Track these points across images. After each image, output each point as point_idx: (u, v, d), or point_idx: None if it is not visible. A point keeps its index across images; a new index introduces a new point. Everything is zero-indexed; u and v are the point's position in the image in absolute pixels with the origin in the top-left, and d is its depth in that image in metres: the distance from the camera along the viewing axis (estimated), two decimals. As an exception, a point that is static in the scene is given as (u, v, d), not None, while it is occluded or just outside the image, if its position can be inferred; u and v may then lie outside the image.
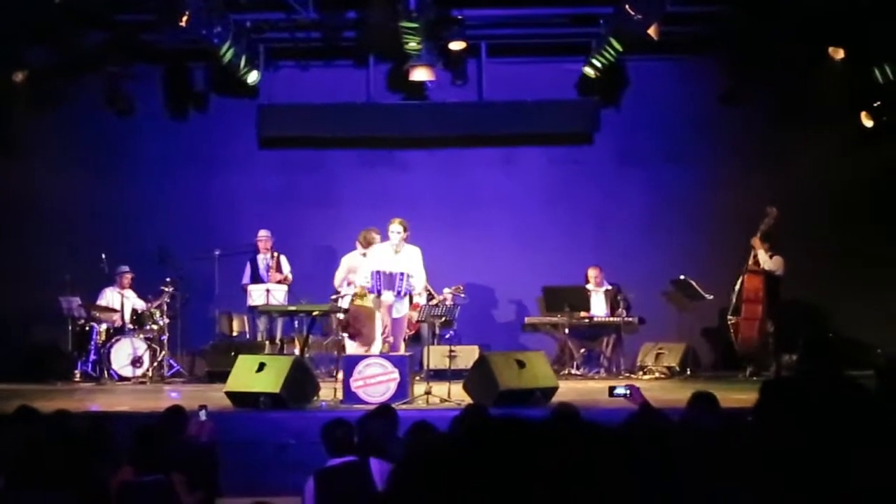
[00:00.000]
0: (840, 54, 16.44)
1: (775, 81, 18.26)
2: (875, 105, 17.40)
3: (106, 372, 17.23)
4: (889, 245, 18.54)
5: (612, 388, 10.22)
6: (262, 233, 17.70)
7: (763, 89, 18.44)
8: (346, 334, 15.40)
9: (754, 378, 15.92)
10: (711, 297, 18.03)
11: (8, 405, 11.45)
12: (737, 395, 11.70)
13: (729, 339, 17.95)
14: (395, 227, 15.14)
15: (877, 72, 16.43)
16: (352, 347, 15.30)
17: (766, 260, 17.08)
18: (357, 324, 15.28)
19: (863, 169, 18.32)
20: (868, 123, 17.66)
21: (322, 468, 8.32)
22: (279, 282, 17.41)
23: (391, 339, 15.14)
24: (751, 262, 17.25)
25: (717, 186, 19.02)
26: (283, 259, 17.61)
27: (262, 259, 17.60)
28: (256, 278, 17.52)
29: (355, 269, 15.40)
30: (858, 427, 2.05)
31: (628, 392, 9.78)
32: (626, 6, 15.16)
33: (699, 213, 19.04)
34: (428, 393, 14.22)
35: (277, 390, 13.28)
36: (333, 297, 15.84)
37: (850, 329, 18.45)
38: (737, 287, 17.41)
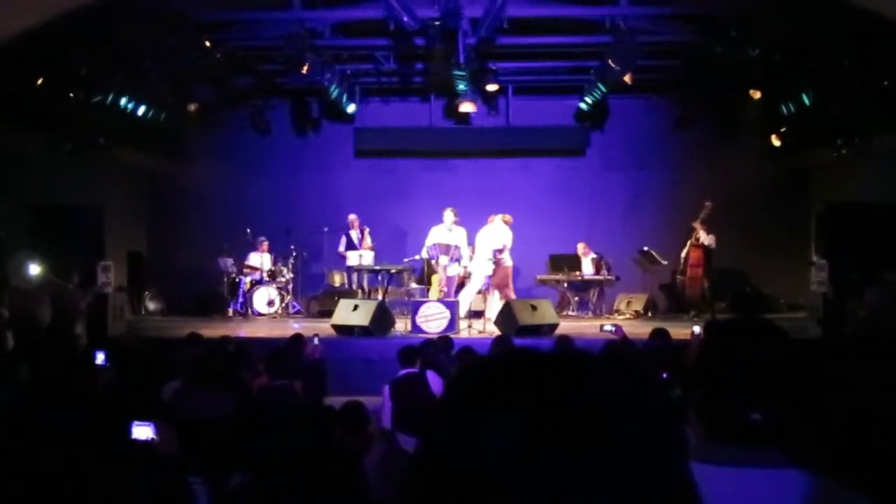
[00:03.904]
0: (758, 95, 16.31)
1: (713, 112, 18.18)
2: (781, 130, 17.33)
3: (249, 310, 17.36)
4: (789, 227, 18.52)
5: (602, 326, 10.29)
6: (351, 216, 17.61)
7: (704, 118, 18.35)
8: (496, 289, 15.62)
9: (695, 319, 15.79)
10: (666, 262, 17.98)
11: (182, 331, 11.60)
12: (683, 331, 11.66)
13: (678, 292, 17.89)
14: (448, 214, 15.39)
15: (783, 107, 16.33)
16: (495, 299, 15.59)
17: (704, 237, 16.99)
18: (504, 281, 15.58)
19: (772, 174, 18.28)
20: (776, 143, 17.59)
21: (394, 377, 8.39)
22: (368, 248, 17.41)
23: (445, 289, 15.21)
24: (693, 239, 17.14)
25: (671, 185, 18.93)
26: (367, 233, 17.56)
27: (354, 234, 17.57)
28: (351, 246, 17.53)
29: (441, 240, 15.44)
30: (765, 351, 2.07)
31: (613, 328, 9.83)
32: (609, 61, 15.07)
33: (658, 204, 18.96)
34: (470, 326, 14.32)
35: (367, 324, 13.39)
36: (416, 257, 15.95)
37: (762, 285, 18.42)
38: (683, 255, 17.31)
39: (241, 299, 17.65)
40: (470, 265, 16.02)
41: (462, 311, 15.14)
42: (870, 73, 13.53)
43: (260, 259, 17.92)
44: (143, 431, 4.44)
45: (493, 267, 15.65)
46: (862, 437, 2.99)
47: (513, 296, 15.63)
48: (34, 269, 13.38)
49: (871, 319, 11.35)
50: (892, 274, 12.42)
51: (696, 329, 9.78)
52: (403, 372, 8.41)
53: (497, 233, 15.64)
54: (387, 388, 8.27)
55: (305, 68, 14.67)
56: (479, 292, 16.08)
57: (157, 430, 4.45)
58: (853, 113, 15.01)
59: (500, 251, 15.58)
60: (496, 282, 15.66)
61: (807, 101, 15.63)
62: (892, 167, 15.18)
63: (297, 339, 10.19)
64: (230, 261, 17.87)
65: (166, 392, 6.93)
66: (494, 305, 15.47)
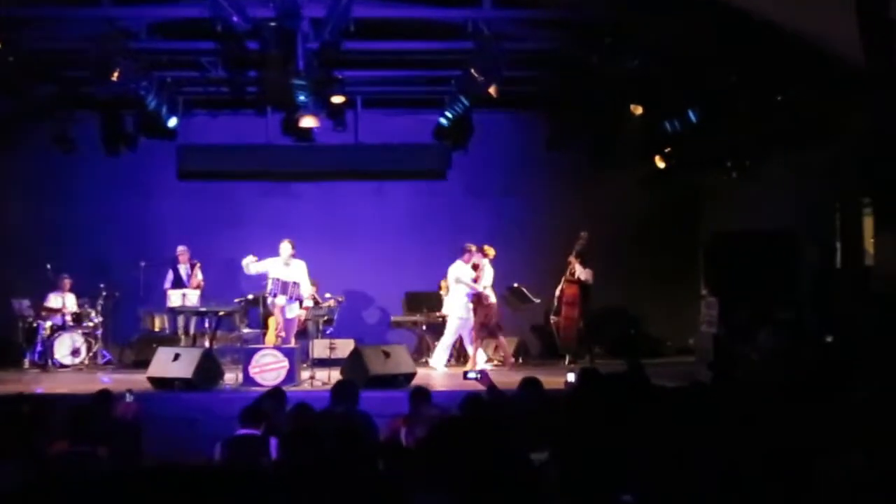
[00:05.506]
0: (639, 110, 16.58)
1: (589, 131, 18.48)
2: (666, 150, 17.64)
3: (50, 361, 16.81)
4: (675, 258, 18.90)
5: (465, 373, 10.26)
6: (180, 248, 17.48)
7: (579, 137, 18.63)
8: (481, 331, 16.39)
9: (571, 365, 15.95)
10: (539, 300, 18.09)
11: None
12: (557, 378, 11.73)
13: (552, 335, 18.02)
14: (285, 246, 15.29)
15: (667, 125, 16.65)
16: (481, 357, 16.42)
17: (580, 272, 17.15)
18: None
19: (655, 200, 18.69)
20: (661, 165, 17.87)
21: (230, 436, 8.22)
22: (195, 287, 17.14)
23: (283, 333, 15.03)
24: (568, 274, 17.31)
25: (543, 213, 19.18)
26: (197, 268, 17.34)
27: (183, 269, 17.35)
28: (177, 284, 17.26)
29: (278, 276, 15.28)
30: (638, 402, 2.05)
31: (479, 375, 9.81)
32: (472, 71, 15.19)
33: (529, 235, 19.13)
34: (312, 378, 14.17)
35: (190, 376, 13.23)
36: (250, 297, 15.67)
37: (646, 326, 18.78)
38: (557, 293, 17.45)
39: (39, 348, 17.07)
40: (445, 307, 16.82)
41: (439, 363, 16.33)
42: (761, 87, 13.89)
43: (62, 300, 17.44)
44: None
45: (470, 307, 16.36)
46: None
47: (501, 337, 16.78)
48: None
49: (765, 363, 11.64)
50: (784, 312, 12.76)
51: (571, 377, 9.85)
52: (242, 432, 8.23)
53: (477, 267, 16.40)
54: (218, 447, 8.08)
55: (116, 74, 14.37)
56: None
57: None
58: (744, 131, 15.38)
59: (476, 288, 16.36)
60: (479, 322, 16.25)
61: (693, 119, 15.96)
62: (784, 191, 15.60)
63: (105, 396, 9.84)
64: (26, 302, 17.33)
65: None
66: (480, 351, 16.39)
